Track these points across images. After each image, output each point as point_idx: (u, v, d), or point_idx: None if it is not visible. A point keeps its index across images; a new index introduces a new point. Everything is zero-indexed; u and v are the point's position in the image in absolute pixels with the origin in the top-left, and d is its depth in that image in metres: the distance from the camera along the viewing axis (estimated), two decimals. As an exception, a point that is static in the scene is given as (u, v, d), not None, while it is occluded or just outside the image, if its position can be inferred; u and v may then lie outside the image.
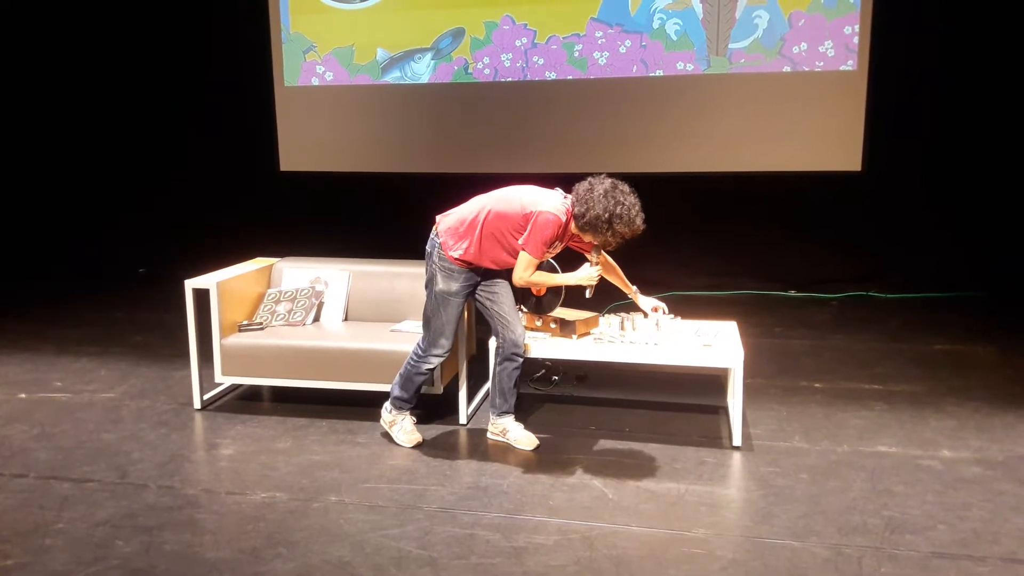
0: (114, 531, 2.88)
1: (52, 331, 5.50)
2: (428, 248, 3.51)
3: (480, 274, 3.49)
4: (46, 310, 6.11)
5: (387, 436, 3.65)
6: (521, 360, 3.52)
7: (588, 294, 3.51)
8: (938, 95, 5.91)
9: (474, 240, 3.39)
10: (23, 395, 4.29)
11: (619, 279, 3.69)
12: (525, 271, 3.35)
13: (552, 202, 3.34)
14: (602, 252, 3.48)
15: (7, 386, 4.43)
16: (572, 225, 3.35)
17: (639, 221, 3.25)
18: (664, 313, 3.70)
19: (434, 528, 2.87)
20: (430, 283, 3.49)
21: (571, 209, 3.32)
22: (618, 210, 3.21)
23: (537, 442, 3.54)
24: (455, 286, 3.45)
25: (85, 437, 3.72)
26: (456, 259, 3.42)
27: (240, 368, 3.97)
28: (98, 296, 6.52)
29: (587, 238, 3.36)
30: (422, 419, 3.83)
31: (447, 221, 3.49)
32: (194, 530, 2.88)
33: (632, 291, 3.71)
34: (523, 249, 3.33)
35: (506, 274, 3.49)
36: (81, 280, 7.02)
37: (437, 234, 3.48)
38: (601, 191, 3.24)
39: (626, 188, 3.29)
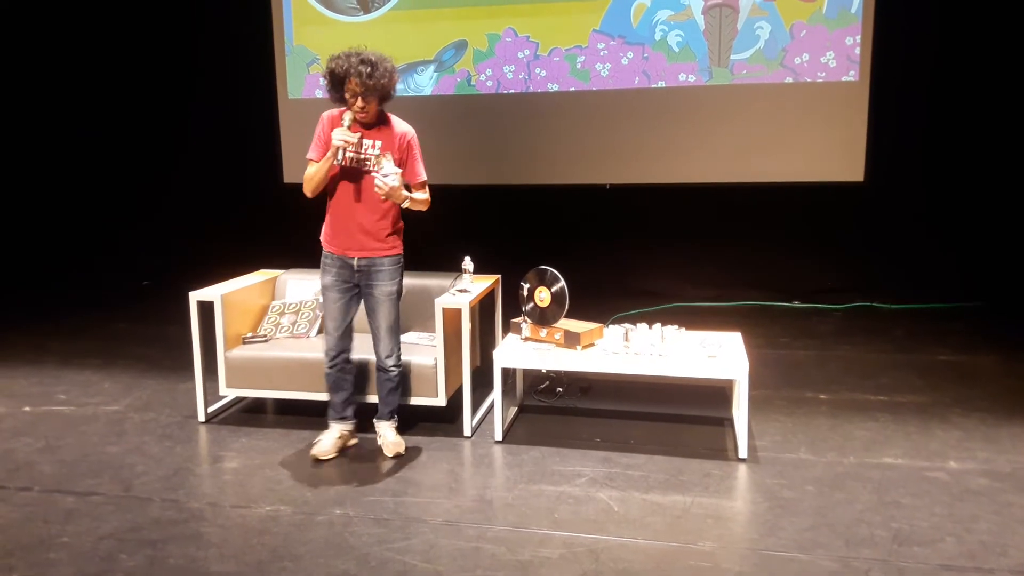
0: (118, 545, 2.87)
1: (56, 344, 5.51)
2: None
3: (356, 271, 3.48)
4: (50, 323, 6.11)
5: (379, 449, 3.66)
6: (390, 374, 3.58)
7: (382, 176, 3.30)
8: (940, 105, 5.92)
9: (327, 212, 3.52)
10: (28, 408, 4.29)
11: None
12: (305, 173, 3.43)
13: None
14: (353, 119, 3.37)
15: (12, 399, 4.43)
16: (334, 111, 3.45)
17: (352, 60, 3.27)
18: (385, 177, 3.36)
19: (439, 541, 2.86)
20: None
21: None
22: (332, 64, 3.31)
23: (398, 450, 3.57)
24: (327, 279, 3.52)
25: (89, 450, 3.71)
26: (323, 243, 3.54)
27: (244, 380, 3.96)
28: (102, 309, 6.52)
29: (340, 102, 3.41)
30: (426, 431, 3.83)
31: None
32: (198, 544, 2.87)
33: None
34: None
35: (384, 289, 3.50)
36: (85, 293, 7.03)
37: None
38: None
39: (354, 52, 3.33)
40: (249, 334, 4.11)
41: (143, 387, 4.60)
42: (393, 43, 6.56)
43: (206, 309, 3.96)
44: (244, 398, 4.32)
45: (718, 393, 4.29)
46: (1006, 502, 3.08)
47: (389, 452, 3.60)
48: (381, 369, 3.58)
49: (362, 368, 3.77)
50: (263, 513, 3.09)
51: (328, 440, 3.59)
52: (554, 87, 6.35)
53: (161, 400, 4.38)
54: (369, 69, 3.26)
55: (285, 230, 6.90)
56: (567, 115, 6.36)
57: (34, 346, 5.45)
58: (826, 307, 6.20)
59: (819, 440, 3.71)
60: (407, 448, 3.63)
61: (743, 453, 3.50)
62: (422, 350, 3.86)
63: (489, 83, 6.46)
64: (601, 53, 6.23)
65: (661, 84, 6.18)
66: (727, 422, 3.95)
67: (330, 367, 3.57)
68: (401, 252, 3.56)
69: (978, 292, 6.06)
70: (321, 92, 6.75)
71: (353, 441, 3.69)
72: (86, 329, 5.91)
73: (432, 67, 6.54)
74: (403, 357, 3.68)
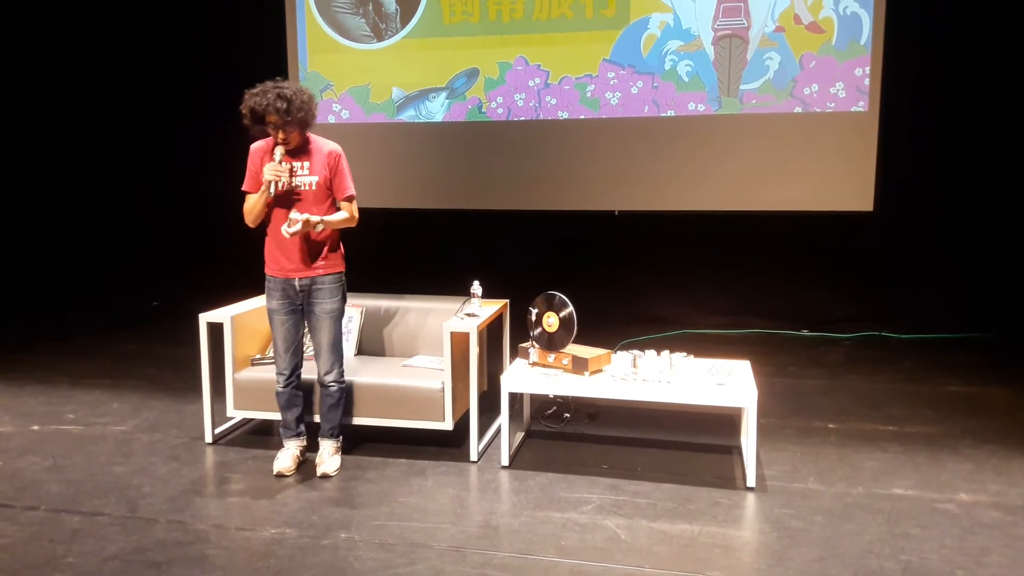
0: (124, 566, 2.86)
1: (66, 363, 5.53)
2: None
3: (299, 291, 3.54)
4: (60, 342, 6.15)
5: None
6: (330, 390, 3.63)
7: (287, 228, 3.38)
8: (949, 136, 5.94)
9: (266, 237, 3.59)
10: (36, 427, 4.31)
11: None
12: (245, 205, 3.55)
13: None
14: (284, 152, 3.46)
15: (21, 418, 4.45)
16: (262, 144, 3.56)
17: (270, 97, 3.31)
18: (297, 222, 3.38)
19: (444, 567, 2.84)
20: None
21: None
22: (252, 103, 3.35)
23: (326, 471, 3.60)
24: (273, 303, 3.58)
25: (96, 470, 3.72)
26: (265, 268, 3.59)
27: (252, 402, 3.97)
28: (112, 329, 6.56)
29: (264, 133, 3.48)
30: (432, 455, 3.82)
31: None
32: (203, 566, 2.86)
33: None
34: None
35: (325, 307, 3.56)
36: (95, 313, 7.07)
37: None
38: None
39: (271, 86, 3.38)
40: (258, 356, 4.12)
41: (151, 408, 4.61)
42: (406, 70, 6.65)
43: (215, 330, 3.98)
44: (252, 420, 4.32)
45: (726, 421, 4.27)
46: (1017, 535, 3.05)
47: (318, 471, 3.64)
48: (322, 385, 3.66)
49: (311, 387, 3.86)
50: (268, 536, 3.08)
51: (287, 457, 3.69)
52: (564, 115, 6.40)
53: (169, 421, 4.38)
54: (286, 105, 3.33)
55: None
56: (576, 142, 6.41)
57: (44, 365, 5.48)
58: (835, 336, 6.17)
59: (828, 470, 3.68)
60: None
61: (751, 482, 3.47)
62: (429, 374, 3.87)
63: (500, 110, 6.52)
64: (611, 82, 6.29)
65: (670, 113, 6.22)
66: (735, 450, 3.92)
67: (283, 387, 3.66)
68: (342, 271, 3.65)
69: (989, 322, 6.03)
70: (334, 118, 6.88)
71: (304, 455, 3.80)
72: (96, 349, 5.94)
73: (444, 94, 6.61)
74: (413, 382, 3.67)
